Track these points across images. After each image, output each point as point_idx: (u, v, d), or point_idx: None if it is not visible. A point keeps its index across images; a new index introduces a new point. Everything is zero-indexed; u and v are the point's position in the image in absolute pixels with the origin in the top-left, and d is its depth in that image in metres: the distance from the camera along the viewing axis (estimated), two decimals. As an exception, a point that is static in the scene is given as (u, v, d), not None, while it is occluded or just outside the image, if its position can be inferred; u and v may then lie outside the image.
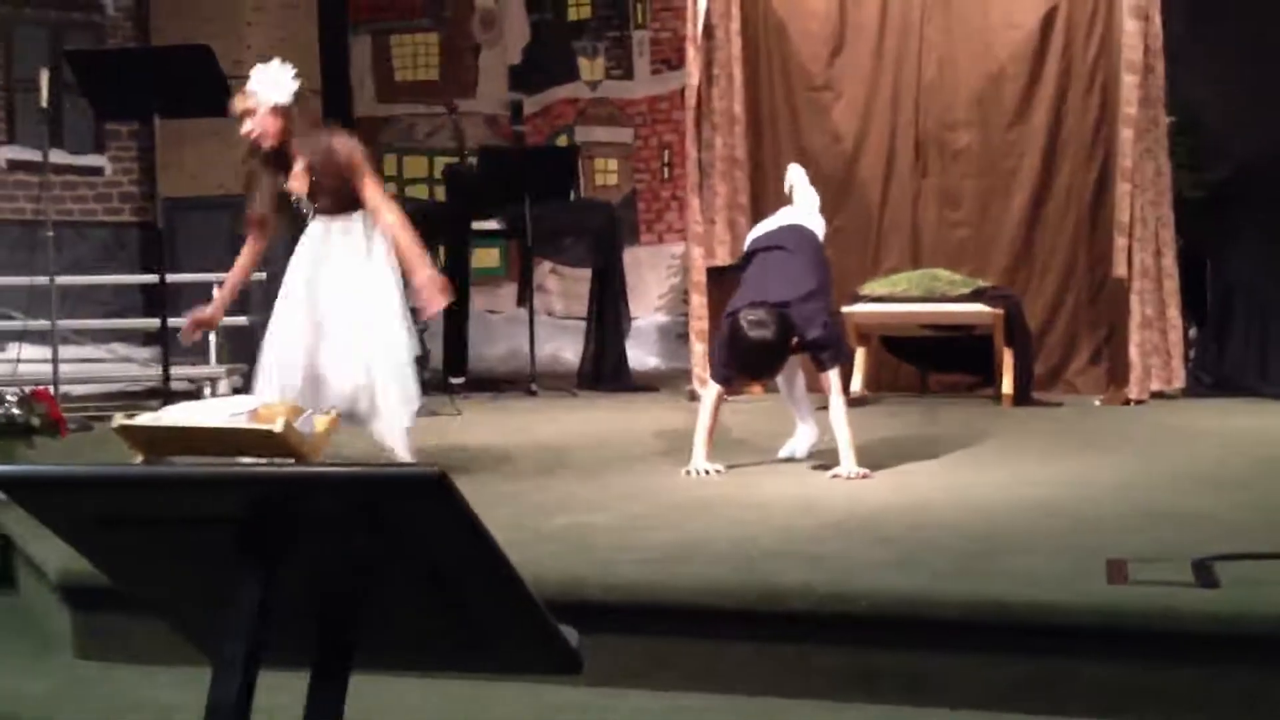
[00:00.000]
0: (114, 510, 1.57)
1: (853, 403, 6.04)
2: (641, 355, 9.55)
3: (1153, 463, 4.65)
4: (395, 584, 1.62)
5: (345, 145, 4.44)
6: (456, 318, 8.40)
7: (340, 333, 4.29)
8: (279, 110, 4.31)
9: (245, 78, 4.60)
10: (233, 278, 4.70)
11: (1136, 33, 6.50)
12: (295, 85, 4.35)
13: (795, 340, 4.45)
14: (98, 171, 9.71)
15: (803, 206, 5.31)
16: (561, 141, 10.36)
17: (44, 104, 6.68)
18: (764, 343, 4.37)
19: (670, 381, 8.35)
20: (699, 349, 7.19)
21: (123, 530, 1.60)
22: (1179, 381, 6.64)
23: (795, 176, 5.54)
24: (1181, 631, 2.57)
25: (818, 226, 5.08)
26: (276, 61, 4.42)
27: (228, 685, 1.47)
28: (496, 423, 5.81)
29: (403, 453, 4.18)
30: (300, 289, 4.44)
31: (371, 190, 4.40)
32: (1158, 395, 6.56)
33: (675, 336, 9.74)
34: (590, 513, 3.75)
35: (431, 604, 1.63)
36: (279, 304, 4.48)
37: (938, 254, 7.21)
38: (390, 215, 4.38)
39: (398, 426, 4.22)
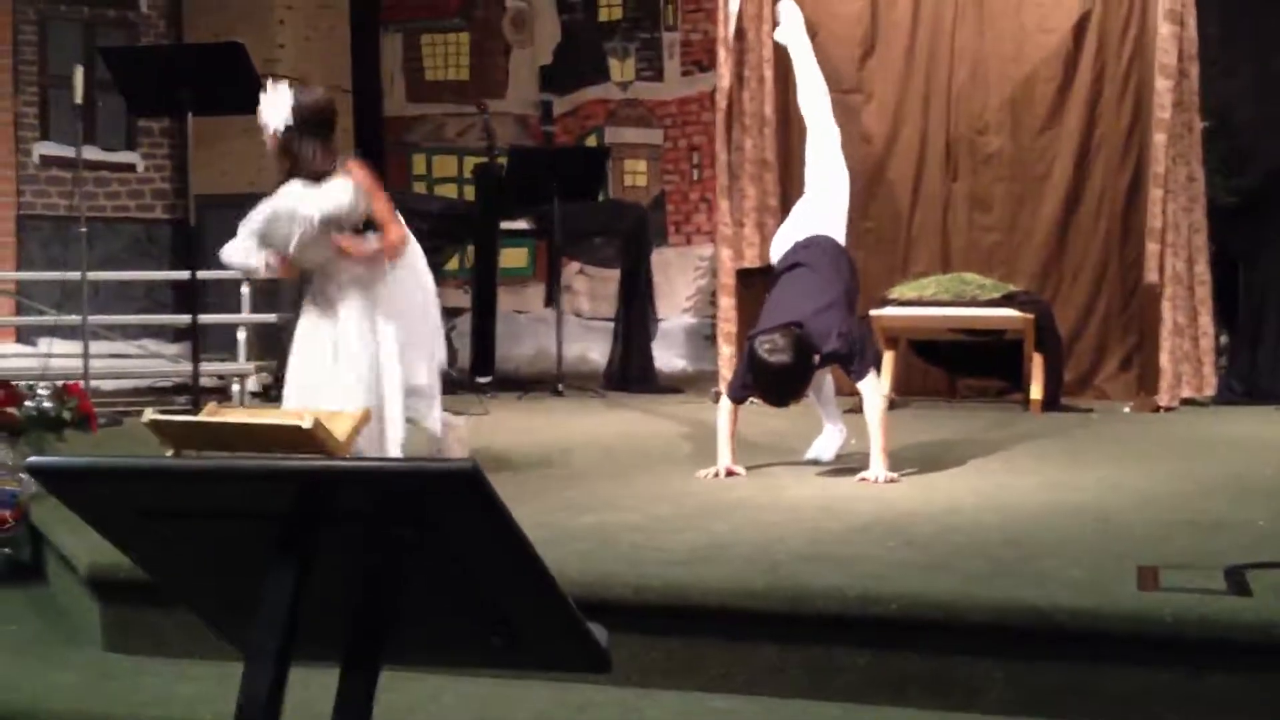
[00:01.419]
0: (149, 502, 1.58)
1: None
2: (669, 357, 9.54)
3: (1183, 470, 4.62)
4: (427, 579, 1.62)
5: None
6: (483, 317, 8.43)
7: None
8: (279, 135, 4.28)
9: (277, 76, 4.59)
10: None
11: (1171, 37, 6.46)
12: (288, 109, 4.23)
13: (817, 357, 4.37)
14: (130, 168, 9.78)
15: (817, 198, 5.13)
16: (591, 142, 10.37)
17: (77, 100, 6.73)
18: (784, 368, 4.27)
19: (697, 383, 8.34)
20: (726, 351, 7.18)
21: (157, 522, 1.60)
22: (1210, 389, 6.59)
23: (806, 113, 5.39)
24: (1213, 639, 2.55)
25: (834, 218, 4.92)
26: (278, 85, 4.37)
27: (260, 679, 1.47)
28: (523, 422, 5.82)
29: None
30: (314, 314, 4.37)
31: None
32: (1188, 402, 6.51)
33: (703, 338, 9.73)
34: (617, 512, 3.75)
35: (462, 600, 1.63)
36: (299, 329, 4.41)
37: (968, 258, 7.18)
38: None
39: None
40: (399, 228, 4.34)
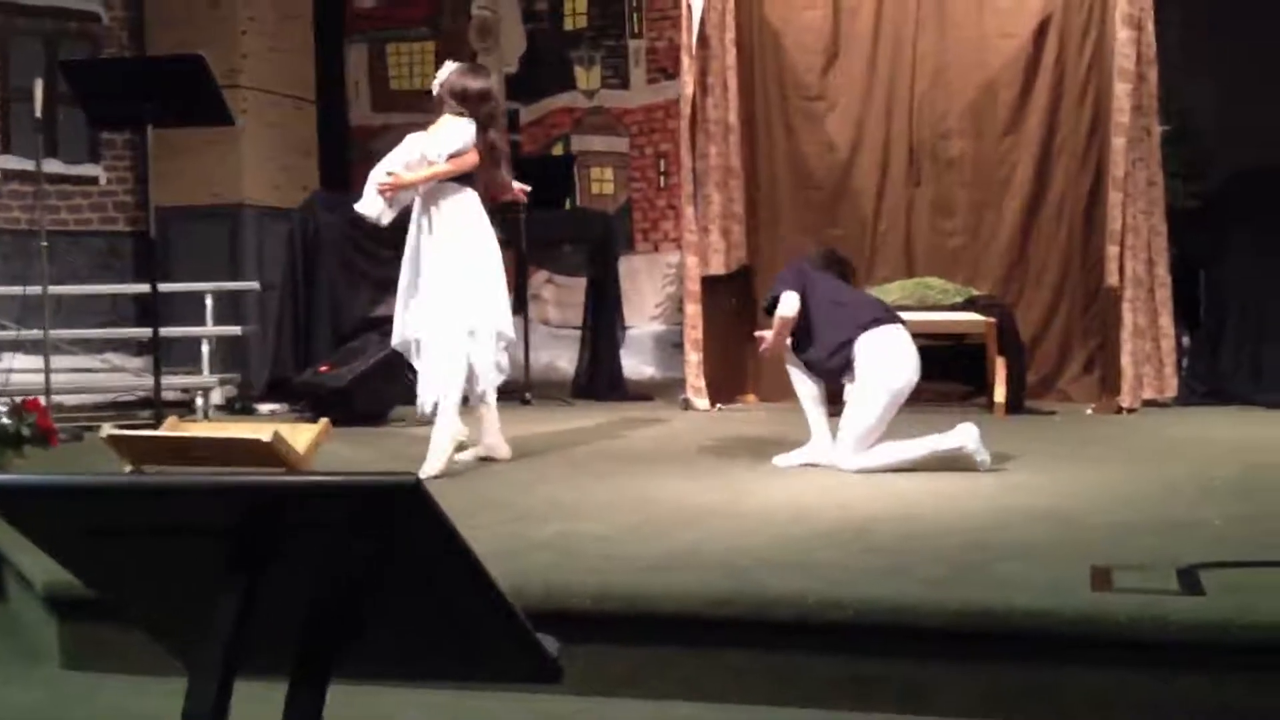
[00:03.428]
0: (96, 520, 1.57)
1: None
2: (637, 364, 9.55)
3: (1143, 471, 4.66)
4: (374, 593, 1.61)
5: None
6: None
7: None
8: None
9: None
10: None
11: (1129, 41, 6.52)
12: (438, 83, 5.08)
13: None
14: (93, 181, 9.72)
15: None
16: (557, 150, 10.37)
17: (38, 113, 6.68)
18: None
19: (665, 391, 8.34)
20: (694, 358, 7.19)
21: (105, 540, 1.59)
22: (1171, 390, 6.65)
23: None
24: (1167, 639, 2.57)
25: None
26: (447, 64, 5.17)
27: (203, 695, 1.47)
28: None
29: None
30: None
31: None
32: (1150, 404, 6.57)
33: (671, 345, 9.73)
34: (581, 521, 3.75)
35: (410, 613, 1.63)
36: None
37: (931, 263, 7.22)
38: None
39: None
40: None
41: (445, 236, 4.92)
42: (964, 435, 4.68)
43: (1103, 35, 6.93)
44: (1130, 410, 6.42)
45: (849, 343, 4.72)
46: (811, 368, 4.88)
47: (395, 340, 5.05)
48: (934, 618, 2.70)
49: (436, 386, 4.85)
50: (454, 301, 4.86)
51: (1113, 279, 6.54)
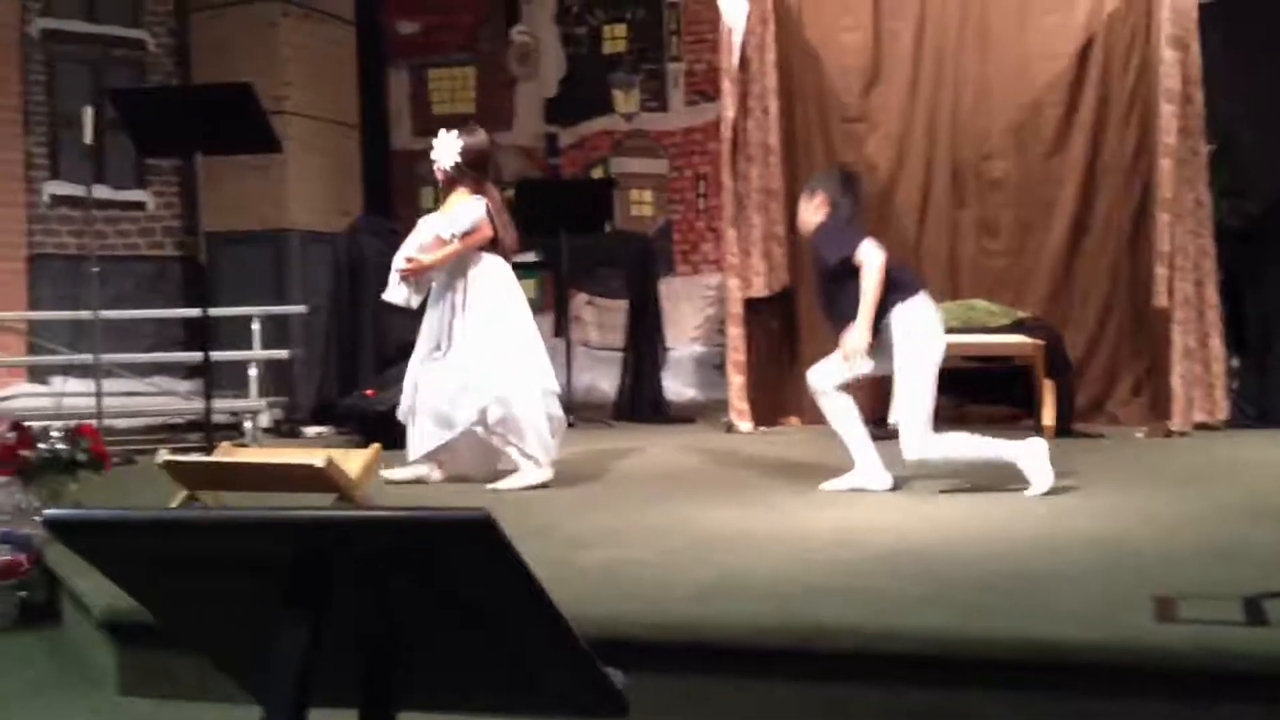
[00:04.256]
0: (162, 553, 1.58)
1: (891, 434, 6.03)
2: (678, 386, 9.54)
3: (1198, 496, 4.60)
4: (441, 625, 1.62)
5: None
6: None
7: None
8: (446, 172, 5.26)
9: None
10: None
11: (1175, 62, 6.48)
12: (456, 152, 5.21)
13: None
14: (140, 206, 9.83)
15: None
16: (597, 173, 10.41)
17: (87, 140, 6.77)
18: None
19: (707, 412, 8.34)
20: (737, 381, 7.18)
21: (171, 573, 1.61)
22: (1222, 413, 6.58)
23: None
24: (1232, 670, 2.53)
25: None
26: (449, 133, 5.29)
27: (277, 729, 1.47)
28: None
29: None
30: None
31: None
32: (1201, 427, 6.50)
33: (712, 367, 9.72)
34: (628, 548, 3.74)
35: (477, 645, 1.63)
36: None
37: (976, 284, 7.18)
38: None
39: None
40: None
41: (484, 307, 5.12)
42: (1034, 450, 4.65)
43: (1147, 56, 6.89)
44: (1181, 434, 6.35)
45: (892, 307, 4.68)
46: (838, 328, 4.82)
47: (404, 407, 5.27)
48: (991, 648, 2.67)
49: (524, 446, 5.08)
50: (526, 364, 5.10)
51: (1162, 300, 6.49)
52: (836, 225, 4.84)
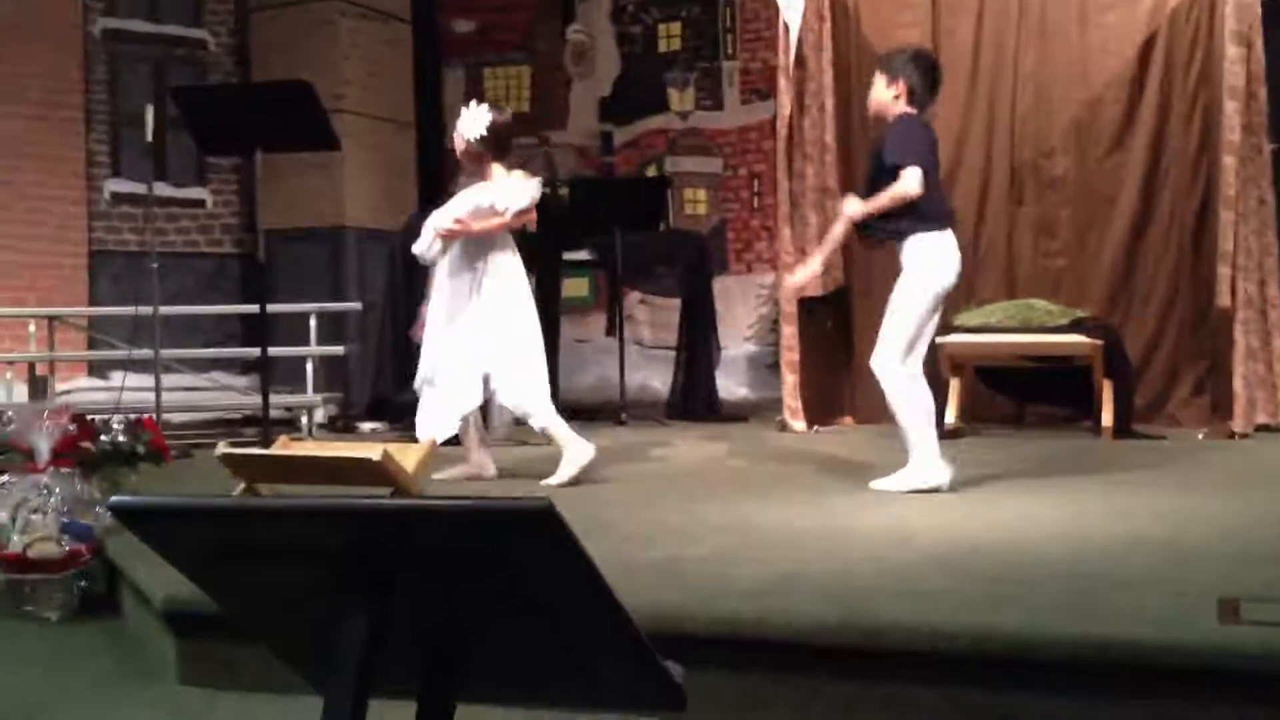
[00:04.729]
0: (229, 541, 1.59)
1: (947, 434, 5.99)
2: (731, 385, 9.53)
3: (1261, 498, 4.53)
4: (501, 616, 1.62)
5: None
6: (548, 346, 8.48)
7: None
8: (471, 145, 5.24)
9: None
10: None
11: (1238, 59, 6.38)
12: (484, 125, 5.19)
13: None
14: (199, 204, 9.95)
15: None
16: (651, 172, 10.41)
17: (149, 138, 6.85)
18: None
19: (760, 411, 8.32)
20: (791, 380, 7.16)
21: (236, 560, 1.62)
22: (1286, 414, 6.47)
23: None
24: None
25: None
26: (480, 105, 5.31)
27: (339, 718, 1.48)
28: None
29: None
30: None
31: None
32: (1263, 428, 6.40)
33: (765, 366, 9.70)
34: (685, 544, 3.74)
35: (537, 637, 1.63)
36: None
37: (1034, 284, 7.11)
38: None
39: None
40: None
41: (506, 286, 5.19)
42: (941, 475, 4.65)
43: (1210, 53, 6.79)
44: (1243, 435, 6.26)
45: (910, 234, 4.64)
46: (864, 225, 4.79)
47: (422, 376, 5.26)
48: (1053, 649, 2.64)
49: (525, 403, 5.15)
50: (524, 361, 5.16)
51: (1224, 300, 6.39)
52: (914, 126, 4.74)
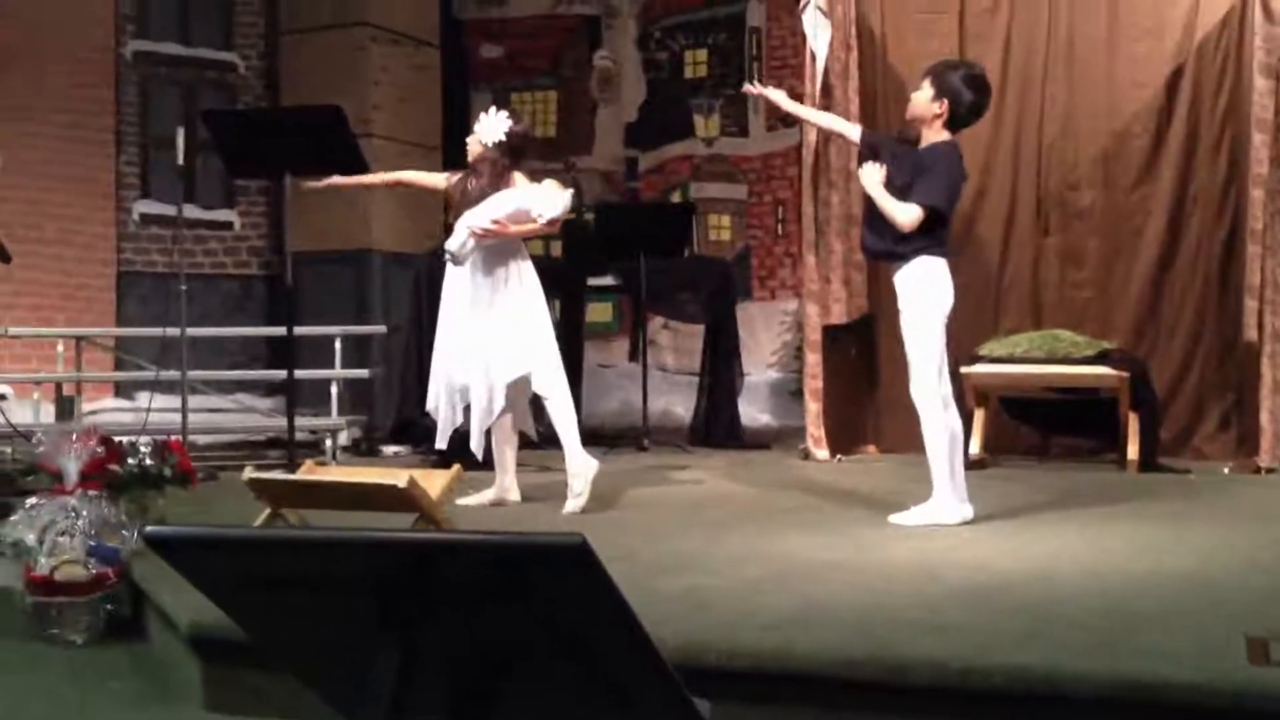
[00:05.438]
0: (261, 571, 1.60)
1: (971, 465, 5.95)
2: (753, 412, 9.51)
3: (1289, 534, 4.50)
4: (532, 649, 1.62)
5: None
6: (570, 372, 8.49)
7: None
8: (487, 148, 5.34)
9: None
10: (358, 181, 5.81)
11: (1267, 91, 6.36)
12: (503, 131, 5.30)
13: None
14: (227, 226, 10.02)
15: None
16: (676, 198, 10.43)
17: (180, 161, 6.91)
18: None
19: (783, 439, 8.30)
20: (814, 408, 7.14)
21: (267, 591, 1.62)
22: (1313, 450, 6.42)
23: None
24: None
25: None
26: (499, 111, 5.43)
27: (371, 751, 1.48)
28: (609, 478, 5.82)
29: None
30: None
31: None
32: (1290, 463, 6.35)
33: (788, 393, 9.68)
34: (709, 574, 3.73)
35: (567, 671, 1.63)
36: None
37: (1059, 314, 7.08)
38: None
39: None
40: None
41: (526, 297, 5.27)
42: (943, 513, 4.66)
43: (1238, 85, 6.77)
44: (1270, 470, 6.21)
45: (915, 255, 4.66)
46: (869, 243, 4.85)
47: (434, 400, 5.35)
48: (1080, 687, 2.62)
49: (563, 414, 5.24)
50: (549, 347, 5.23)
51: (1251, 334, 6.36)
52: (953, 164, 4.74)
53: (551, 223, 5.28)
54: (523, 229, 5.23)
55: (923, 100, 4.75)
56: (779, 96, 5.26)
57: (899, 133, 4.98)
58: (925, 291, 4.68)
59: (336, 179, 5.66)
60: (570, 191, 5.35)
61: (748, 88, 5.41)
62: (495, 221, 5.16)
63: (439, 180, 5.68)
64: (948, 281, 4.73)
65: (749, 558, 4.03)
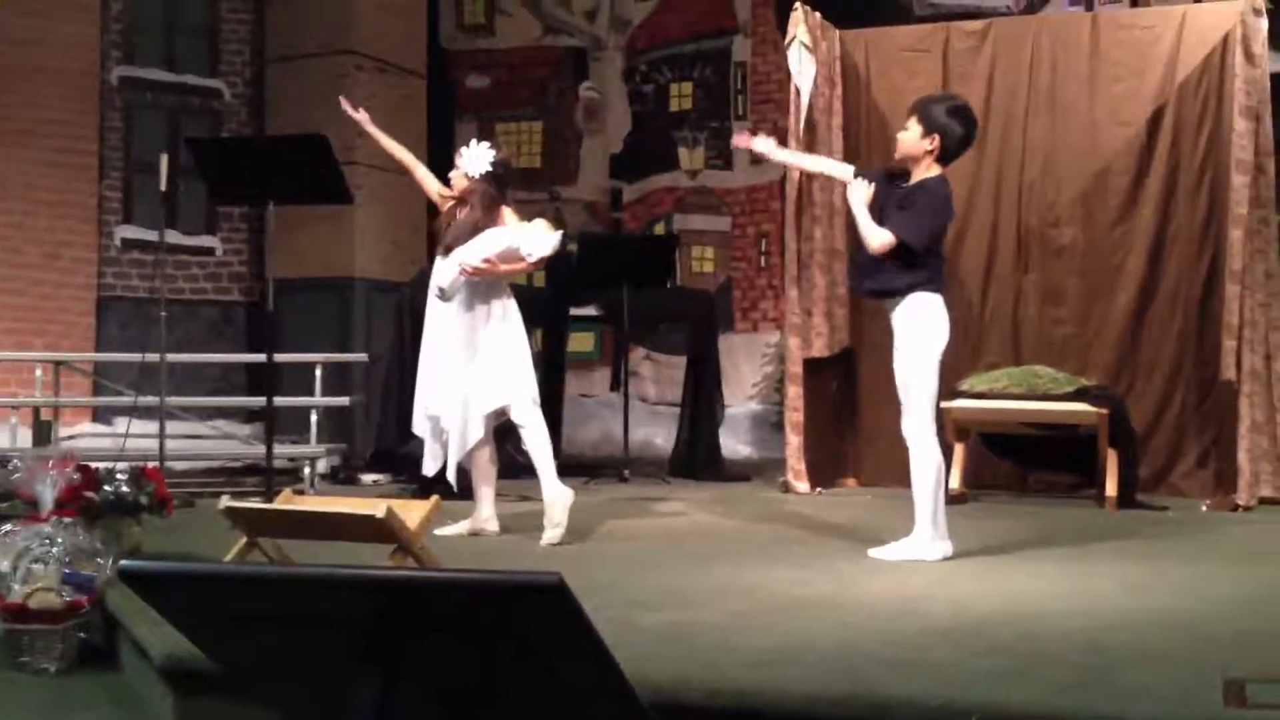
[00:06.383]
0: (237, 607, 1.58)
1: (950, 499, 5.96)
2: (733, 444, 9.51)
3: (1267, 572, 4.51)
4: (508, 685, 1.61)
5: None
6: (550, 401, 8.48)
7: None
8: (471, 180, 5.35)
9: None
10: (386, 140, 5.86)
11: (1247, 132, 6.42)
12: (487, 163, 5.32)
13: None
14: (209, 252, 9.99)
15: None
16: (659, 229, 10.46)
17: (163, 187, 6.89)
18: None
19: (763, 471, 8.29)
20: (795, 441, 7.14)
21: (243, 626, 1.61)
22: (1290, 489, 6.45)
23: None
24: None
25: None
26: (480, 144, 5.43)
27: (346, 789, 1.47)
28: (589, 510, 5.81)
29: None
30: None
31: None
32: (1268, 501, 6.38)
33: (769, 425, 9.69)
34: (688, 609, 3.72)
35: (545, 708, 1.62)
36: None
37: (1039, 351, 7.11)
38: None
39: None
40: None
41: (507, 333, 5.28)
42: (941, 550, 4.67)
43: (1218, 126, 6.83)
44: (1247, 508, 6.24)
45: (910, 290, 4.68)
46: (855, 281, 4.85)
47: (420, 424, 5.36)
48: (1058, 726, 2.62)
49: (538, 446, 5.22)
50: (527, 380, 5.25)
51: (1230, 373, 6.40)
52: (941, 202, 4.75)
53: (539, 261, 5.30)
54: (512, 268, 5.27)
55: (911, 139, 4.76)
56: (768, 148, 5.26)
57: (889, 169, 4.98)
58: (923, 327, 4.69)
59: (370, 124, 5.73)
60: (560, 233, 5.37)
61: (736, 141, 5.40)
62: (486, 260, 5.19)
63: (435, 188, 5.71)
64: (944, 318, 4.74)
65: (729, 592, 4.02)
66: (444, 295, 5.25)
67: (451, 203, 5.51)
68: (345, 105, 5.73)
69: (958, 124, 4.74)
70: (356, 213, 9.13)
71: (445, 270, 5.25)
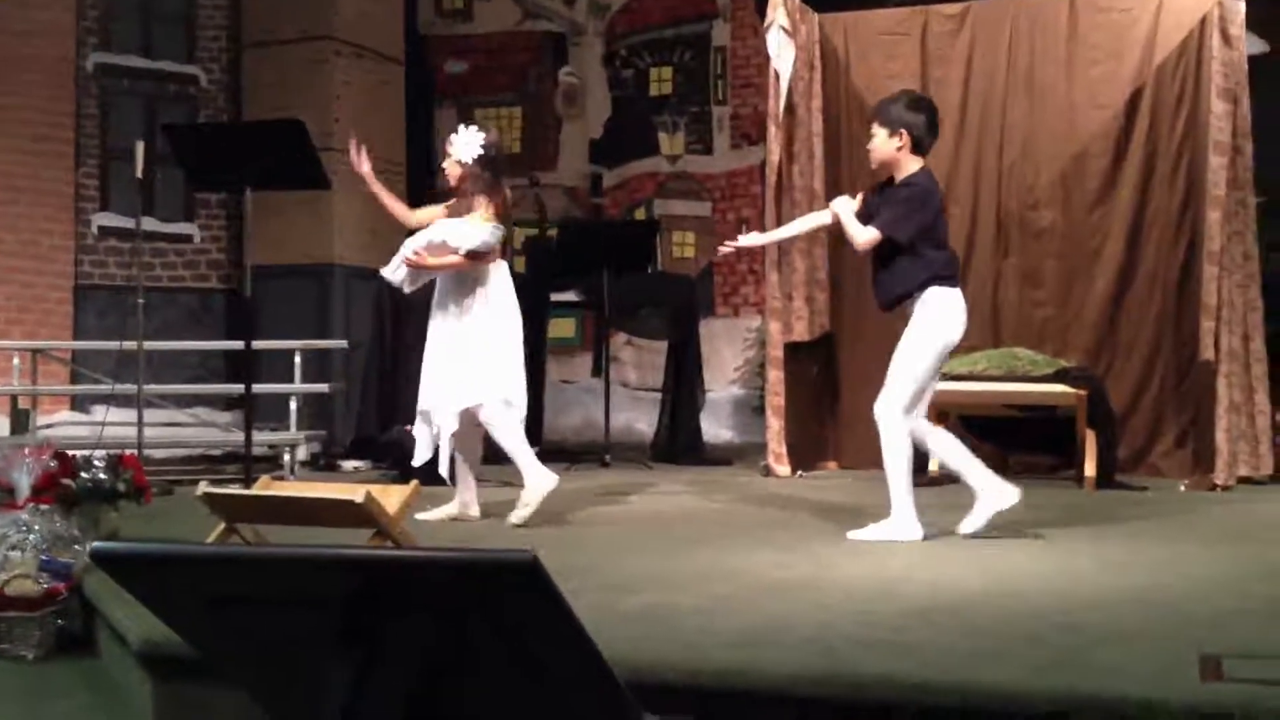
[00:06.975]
0: (213, 589, 1.58)
1: (929, 482, 5.99)
2: (714, 428, 9.53)
3: (1244, 551, 4.54)
4: (486, 666, 1.61)
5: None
6: (531, 387, 8.47)
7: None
8: (464, 166, 5.26)
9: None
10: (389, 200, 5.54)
11: (1225, 114, 6.44)
12: (478, 147, 5.23)
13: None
14: (187, 239, 9.95)
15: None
16: (639, 214, 10.45)
17: (139, 174, 6.85)
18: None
19: (744, 455, 8.31)
20: (776, 425, 7.15)
21: (220, 609, 1.60)
22: (1268, 468, 6.51)
23: None
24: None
25: None
26: (470, 127, 5.36)
27: (320, 769, 1.46)
28: (570, 494, 5.80)
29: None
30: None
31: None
32: (1245, 481, 6.42)
33: (750, 409, 9.71)
34: (668, 591, 3.72)
35: (520, 688, 1.62)
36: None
37: (1019, 333, 7.14)
38: None
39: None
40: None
41: (492, 322, 5.21)
42: (1003, 498, 4.68)
43: (1196, 107, 6.85)
44: (1225, 488, 6.28)
45: (927, 286, 4.67)
46: (879, 298, 4.84)
47: (422, 406, 5.30)
48: (1037, 704, 2.63)
49: (508, 442, 5.19)
50: (513, 369, 5.22)
51: (1208, 353, 6.43)
52: (925, 197, 4.72)
53: (474, 255, 5.15)
54: (442, 262, 5.17)
55: (880, 143, 4.77)
56: (754, 241, 5.27)
57: (879, 184, 4.96)
58: (937, 319, 4.67)
59: (377, 184, 5.42)
60: (496, 228, 5.19)
61: (723, 249, 5.32)
62: (416, 252, 5.16)
63: (438, 214, 5.45)
64: (960, 310, 4.73)
65: (711, 575, 4.02)
66: (390, 282, 5.27)
67: (448, 205, 5.44)
68: (353, 151, 5.37)
69: (919, 114, 4.75)
70: (335, 199, 9.10)
71: (394, 260, 5.25)
